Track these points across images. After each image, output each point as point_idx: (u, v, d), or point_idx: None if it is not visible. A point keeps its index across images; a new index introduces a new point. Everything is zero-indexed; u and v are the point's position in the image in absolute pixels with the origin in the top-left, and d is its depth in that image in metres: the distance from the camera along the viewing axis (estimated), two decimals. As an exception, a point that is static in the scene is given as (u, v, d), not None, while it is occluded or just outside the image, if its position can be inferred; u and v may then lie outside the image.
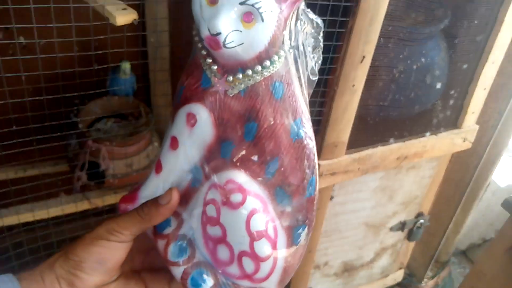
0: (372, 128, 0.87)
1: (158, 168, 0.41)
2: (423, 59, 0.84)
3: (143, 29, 1.03)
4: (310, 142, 0.39)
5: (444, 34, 0.88)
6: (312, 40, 0.40)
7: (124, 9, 0.48)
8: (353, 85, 0.75)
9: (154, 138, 1.10)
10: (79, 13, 0.67)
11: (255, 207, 0.37)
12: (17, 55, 0.77)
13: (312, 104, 0.43)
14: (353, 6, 0.68)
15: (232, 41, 0.34)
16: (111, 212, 1.05)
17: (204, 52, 0.37)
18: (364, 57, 0.72)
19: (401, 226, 1.14)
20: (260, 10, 0.34)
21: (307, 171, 0.39)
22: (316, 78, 0.41)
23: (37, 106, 0.85)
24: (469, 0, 0.86)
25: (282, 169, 0.38)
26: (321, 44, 0.41)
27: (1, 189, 0.92)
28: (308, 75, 0.40)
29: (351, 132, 0.81)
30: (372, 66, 0.75)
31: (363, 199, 1.00)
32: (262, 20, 0.34)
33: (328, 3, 0.67)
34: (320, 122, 0.80)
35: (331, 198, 0.94)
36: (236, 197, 0.37)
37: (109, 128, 1.06)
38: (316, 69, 0.41)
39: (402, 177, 1.02)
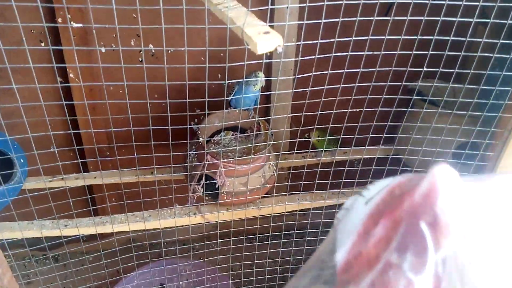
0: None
1: None
2: None
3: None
4: None
5: None
6: None
7: (266, 32, 0.38)
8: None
9: (271, 157, 1.04)
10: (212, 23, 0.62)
11: None
12: (145, 63, 0.74)
13: None
14: None
15: None
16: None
17: None
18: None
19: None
20: None
21: None
22: None
23: (161, 112, 0.83)
24: None
25: None
26: None
27: (115, 192, 0.93)
28: None
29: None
30: None
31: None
32: None
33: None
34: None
35: None
36: None
37: (228, 142, 1.02)
38: None
39: None
